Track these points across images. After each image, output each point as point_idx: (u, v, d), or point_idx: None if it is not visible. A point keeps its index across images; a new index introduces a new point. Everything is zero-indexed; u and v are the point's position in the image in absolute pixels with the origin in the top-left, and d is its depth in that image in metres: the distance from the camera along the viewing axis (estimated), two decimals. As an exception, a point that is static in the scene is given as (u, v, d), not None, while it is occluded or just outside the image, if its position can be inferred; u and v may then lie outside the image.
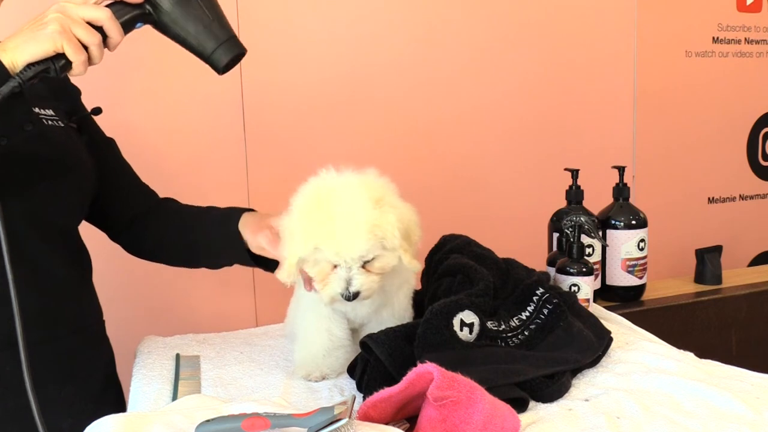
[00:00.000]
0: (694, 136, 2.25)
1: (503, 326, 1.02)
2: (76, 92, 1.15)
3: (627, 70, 2.10)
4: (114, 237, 1.22)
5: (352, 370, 0.98)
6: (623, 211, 1.58)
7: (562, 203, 1.55)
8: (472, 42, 1.89)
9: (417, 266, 0.97)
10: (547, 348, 1.00)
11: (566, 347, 0.99)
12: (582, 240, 1.30)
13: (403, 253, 0.93)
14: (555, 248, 1.50)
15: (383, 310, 1.03)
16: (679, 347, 1.08)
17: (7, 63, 0.77)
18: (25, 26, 0.79)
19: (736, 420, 0.82)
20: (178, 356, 1.12)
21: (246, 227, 1.09)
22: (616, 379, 0.96)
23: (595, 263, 1.51)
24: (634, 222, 1.57)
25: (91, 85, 1.17)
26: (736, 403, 0.86)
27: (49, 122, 1.03)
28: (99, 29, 0.79)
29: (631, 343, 1.09)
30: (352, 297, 0.92)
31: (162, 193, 1.23)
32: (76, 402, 1.04)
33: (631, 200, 1.62)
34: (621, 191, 1.60)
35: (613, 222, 1.58)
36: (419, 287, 1.16)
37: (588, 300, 1.26)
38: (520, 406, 0.86)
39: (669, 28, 2.16)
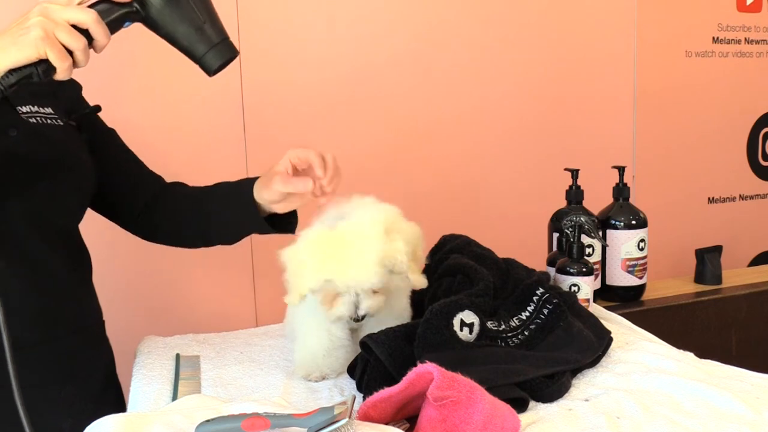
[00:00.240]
0: (694, 136, 2.25)
1: (503, 326, 1.02)
2: (76, 88, 1.15)
3: (627, 70, 2.10)
4: (128, 226, 1.21)
5: (352, 370, 0.98)
6: (623, 211, 1.58)
7: (562, 203, 1.55)
8: (472, 42, 1.89)
9: (424, 283, 0.97)
10: (547, 348, 1.00)
11: (566, 347, 0.99)
12: (582, 240, 1.30)
13: (411, 273, 0.94)
14: (555, 248, 1.50)
15: (382, 310, 1.03)
16: (679, 347, 1.08)
17: None
18: (8, 28, 0.77)
19: (736, 420, 0.82)
20: (178, 356, 1.12)
21: (259, 187, 1.07)
22: (616, 379, 0.96)
23: (595, 263, 1.51)
24: (634, 222, 1.57)
25: (89, 83, 1.17)
26: (736, 403, 0.86)
27: (48, 121, 1.03)
28: (84, 32, 0.76)
29: (631, 343, 1.09)
30: (360, 319, 0.94)
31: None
32: (76, 402, 1.04)
33: (631, 200, 1.62)
34: (621, 191, 1.60)
35: (613, 222, 1.58)
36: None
37: (588, 300, 1.26)
38: (520, 406, 0.86)
39: (669, 28, 2.16)
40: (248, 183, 1.10)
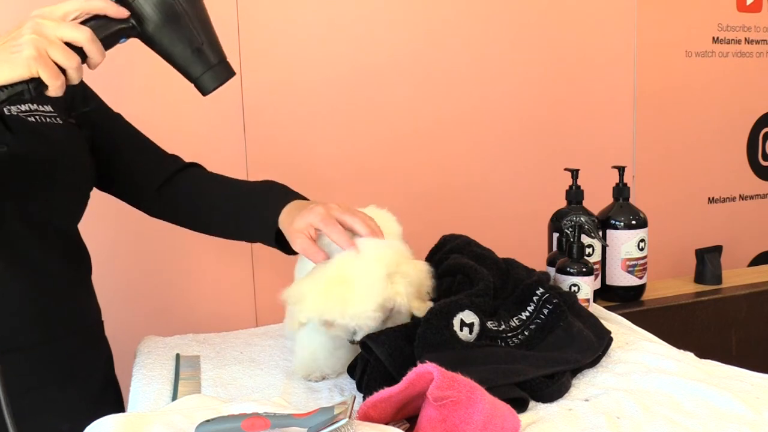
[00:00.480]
0: (694, 136, 2.25)
1: (503, 326, 1.02)
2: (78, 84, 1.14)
3: (627, 70, 2.10)
4: (148, 209, 1.19)
5: (352, 370, 0.98)
6: (623, 211, 1.58)
7: (562, 203, 1.55)
8: (472, 42, 1.89)
9: (425, 310, 0.95)
10: (547, 348, 1.00)
11: (566, 347, 0.99)
12: (582, 240, 1.30)
13: (413, 309, 0.93)
14: (555, 248, 1.50)
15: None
16: (679, 347, 1.08)
17: None
18: (0, 43, 0.75)
19: (736, 420, 0.82)
20: (178, 356, 1.11)
21: (285, 222, 1.04)
22: (616, 379, 0.96)
23: (595, 263, 1.51)
24: (634, 222, 1.57)
25: (89, 84, 1.16)
26: (736, 403, 0.86)
27: (47, 119, 1.02)
28: (78, 49, 0.74)
29: (631, 343, 1.09)
30: (357, 342, 0.94)
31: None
32: (75, 403, 1.04)
33: (631, 200, 1.62)
34: (621, 191, 1.60)
35: (613, 222, 1.58)
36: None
37: (588, 300, 1.26)
38: (520, 406, 0.86)
39: (669, 28, 2.16)
40: (281, 206, 1.06)
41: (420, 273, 0.96)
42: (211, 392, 0.97)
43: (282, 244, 1.08)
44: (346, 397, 0.77)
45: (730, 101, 2.30)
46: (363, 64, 1.78)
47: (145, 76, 1.58)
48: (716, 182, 2.32)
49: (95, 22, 0.76)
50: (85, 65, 0.76)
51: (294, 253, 1.06)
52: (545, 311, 1.04)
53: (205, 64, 0.82)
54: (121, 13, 0.77)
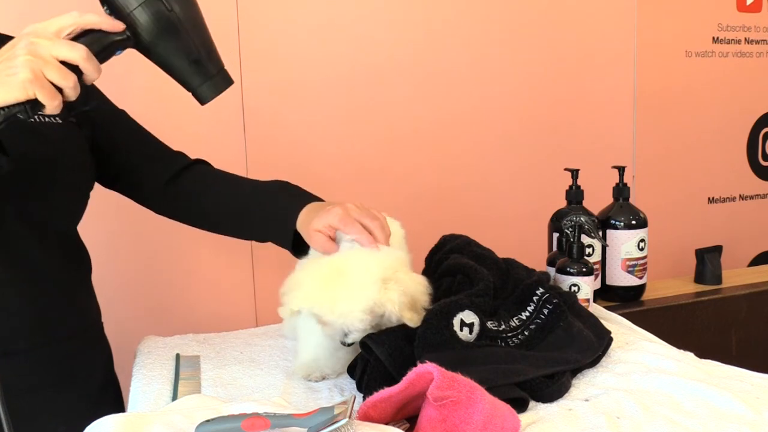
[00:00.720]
0: (694, 136, 2.25)
1: (503, 326, 1.02)
2: None
3: (627, 70, 2.10)
4: (153, 206, 1.19)
5: (352, 370, 0.98)
6: (623, 211, 1.58)
7: (562, 203, 1.55)
8: (472, 42, 1.89)
9: (417, 323, 0.94)
10: (547, 348, 1.00)
11: (566, 347, 0.99)
12: (582, 240, 1.30)
13: (405, 318, 0.93)
14: (555, 248, 1.50)
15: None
16: (679, 347, 1.08)
17: None
18: None
19: (736, 420, 0.82)
20: (178, 356, 1.11)
21: (302, 222, 1.04)
22: (616, 379, 0.96)
23: (595, 263, 1.51)
24: (634, 222, 1.57)
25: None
26: (736, 403, 0.86)
27: (47, 119, 1.02)
28: (74, 67, 0.73)
29: (631, 343, 1.09)
30: (349, 345, 0.95)
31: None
32: (75, 403, 1.04)
33: (631, 200, 1.62)
34: (621, 191, 1.60)
35: (613, 222, 1.58)
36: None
37: (588, 300, 1.26)
38: (520, 406, 0.86)
39: (669, 28, 2.16)
40: (299, 208, 1.06)
41: (418, 286, 0.96)
42: (211, 392, 0.97)
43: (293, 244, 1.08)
44: (346, 397, 0.77)
45: (730, 101, 2.30)
46: (363, 64, 1.78)
47: (145, 76, 1.58)
48: (716, 182, 2.32)
49: (90, 36, 0.75)
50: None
51: (303, 254, 1.06)
52: (545, 311, 1.04)
53: (202, 75, 0.81)
54: (117, 27, 0.77)
